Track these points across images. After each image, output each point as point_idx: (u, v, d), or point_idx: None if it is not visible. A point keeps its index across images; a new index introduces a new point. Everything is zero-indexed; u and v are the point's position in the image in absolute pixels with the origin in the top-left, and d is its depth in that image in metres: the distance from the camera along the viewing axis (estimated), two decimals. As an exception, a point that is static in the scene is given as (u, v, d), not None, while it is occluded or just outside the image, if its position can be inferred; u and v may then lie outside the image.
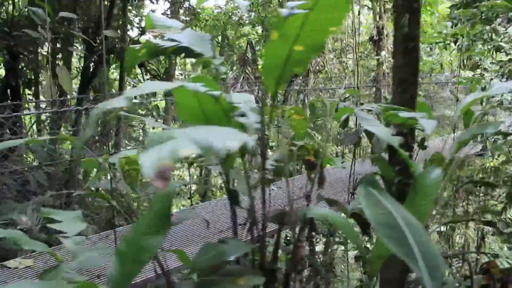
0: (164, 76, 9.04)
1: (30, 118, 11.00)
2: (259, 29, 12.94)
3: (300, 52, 1.63)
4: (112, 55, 7.55)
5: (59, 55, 9.69)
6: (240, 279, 1.72)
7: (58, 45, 8.09)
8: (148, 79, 11.31)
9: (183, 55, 2.04)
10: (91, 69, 7.38)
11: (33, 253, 4.07)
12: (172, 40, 2.01)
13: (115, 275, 1.61)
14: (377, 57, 12.01)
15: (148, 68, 9.20)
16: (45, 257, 3.86)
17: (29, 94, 9.94)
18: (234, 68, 11.80)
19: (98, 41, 6.77)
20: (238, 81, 11.54)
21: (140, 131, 12.24)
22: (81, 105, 6.93)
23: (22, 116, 9.98)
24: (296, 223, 2.22)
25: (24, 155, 7.61)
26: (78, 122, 7.24)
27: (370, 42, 12.03)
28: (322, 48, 1.68)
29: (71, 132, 8.45)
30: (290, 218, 2.21)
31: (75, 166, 7.27)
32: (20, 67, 8.73)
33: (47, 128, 8.85)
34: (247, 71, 11.78)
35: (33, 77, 9.07)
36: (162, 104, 12.46)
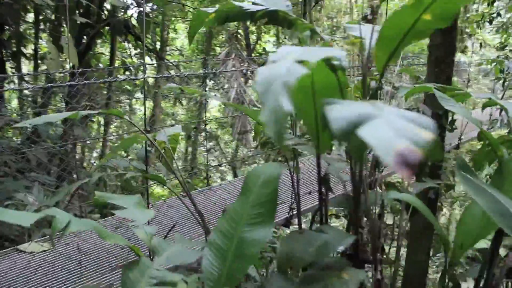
0: (157, 52, 8.66)
1: (12, 93, 10.48)
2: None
3: (426, 22, 1.44)
4: (108, 27, 7.15)
5: (47, 28, 9.24)
6: (344, 273, 1.55)
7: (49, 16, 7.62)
8: (136, 54, 10.90)
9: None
10: (86, 41, 6.98)
11: (45, 236, 3.82)
12: (255, 4, 1.80)
13: (215, 274, 1.42)
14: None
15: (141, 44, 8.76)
16: (65, 240, 3.62)
17: (11, 67, 9.45)
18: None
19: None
20: (230, 57, 11.22)
21: (127, 107, 11.87)
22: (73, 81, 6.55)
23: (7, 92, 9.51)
24: (371, 209, 2.07)
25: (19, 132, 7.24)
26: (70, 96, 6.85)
27: (364, 22, 11.84)
28: (452, 19, 1.50)
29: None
30: (364, 203, 2.06)
31: (73, 143, 6.95)
32: (5, 38, 8.23)
33: (28, 103, 8.45)
34: (238, 47, 11.47)
35: (18, 49, 8.59)
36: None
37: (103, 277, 3.25)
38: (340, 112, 0.91)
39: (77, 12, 5.70)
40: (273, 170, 1.53)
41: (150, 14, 7.39)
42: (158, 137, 2.40)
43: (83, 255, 3.41)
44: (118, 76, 9.94)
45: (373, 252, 1.86)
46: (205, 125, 8.21)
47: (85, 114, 2.11)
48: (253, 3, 1.78)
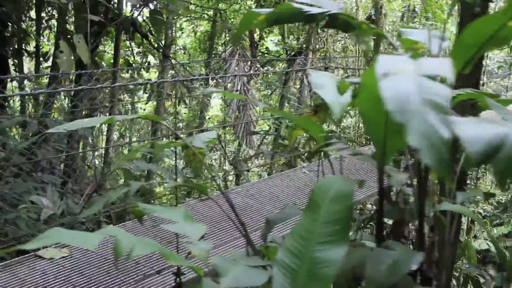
0: (163, 51, 8.54)
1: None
2: (252, 3, 12.48)
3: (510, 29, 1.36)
4: (115, 26, 7.03)
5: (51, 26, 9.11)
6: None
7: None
8: (140, 52, 10.78)
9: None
10: (94, 40, 6.86)
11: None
12: (311, 5, 1.72)
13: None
14: (374, 38, 11.81)
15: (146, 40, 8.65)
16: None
17: (12, 65, 9.29)
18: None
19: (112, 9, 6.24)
20: (234, 57, 11.13)
21: (129, 105, 11.74)
22: (79, 81, 6.46)
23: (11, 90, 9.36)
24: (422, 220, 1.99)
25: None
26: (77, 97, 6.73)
27: (369, 22, 11.78)
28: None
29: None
30: (411, 214, 1.99)
31: (75, 142, 6.84)
32: (8, 35, 8.09)
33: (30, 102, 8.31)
34: (243, 47, 11.37)
35: (20, 46, 8.48)
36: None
37: (126, 283, 3.15)
38: (475, 132, 0.82)
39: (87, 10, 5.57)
40: (344, 185, 1.45)
41: (163, 13, 7.29)
42: (195, 143, 2.30)
43: (104, 261, 3.32)
44: (121, 75, 9.84)
45: (438, 268, 1.79)
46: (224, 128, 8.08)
47: (120, 119, 2.01)
48: (307, 5, 1.69)
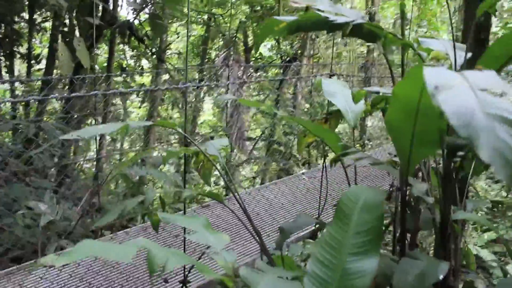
0: (159, 55, 8.48)
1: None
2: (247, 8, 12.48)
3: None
4: (111, 29, 6.96)
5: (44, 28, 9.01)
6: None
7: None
8: (134, 56, 10.72)
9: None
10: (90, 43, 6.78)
11: (62, 250, 3.65)
12: (337, 14, 1.71)
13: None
14: (368, 44, 11.87)
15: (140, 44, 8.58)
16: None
17: (4, 66, 9.17)
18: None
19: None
20: (228, 63, 11.10)
21: (121, 110, 11.65)
22: (73, 85, 6.39)
23: None
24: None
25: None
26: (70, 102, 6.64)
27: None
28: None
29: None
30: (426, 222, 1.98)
31: (67, 146, 6.74)
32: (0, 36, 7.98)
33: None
34: (236, 52, 11.35)
35: (12, 48, 8.35)
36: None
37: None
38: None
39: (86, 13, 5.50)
40: (373, 194, 1.43)
41: (161, 16, 7.24)
42: (209, 150, 2.28)
43: (112, 269, 3.26)
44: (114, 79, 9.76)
45: (454, 276, 1.78)
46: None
47: (136, 127, 1.98)
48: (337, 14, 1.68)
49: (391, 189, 5.30)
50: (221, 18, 11.68)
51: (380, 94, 2.03)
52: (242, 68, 11.22)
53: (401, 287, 1.43)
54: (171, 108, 10.86)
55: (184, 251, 2.88)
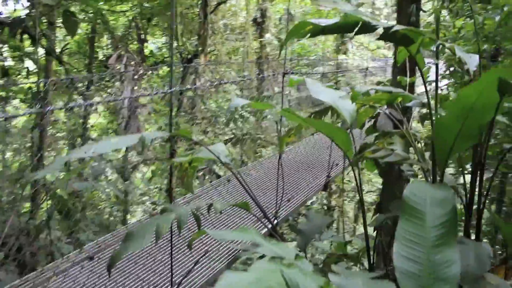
0: (56, 55, 7.79)
1: None
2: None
3: None
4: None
5: None
6: (491, 279, 1.61)
7: None
8: (15, 57, 9.72)
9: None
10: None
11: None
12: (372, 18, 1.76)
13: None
14: (260, 39, 12.20)
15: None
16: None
17: None
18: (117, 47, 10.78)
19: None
20: (122, 61, 10.60)
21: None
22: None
23: None
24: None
25: None
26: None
27: (254, 24, 12.13)
28: None
29: None
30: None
31: None
32: None
33: None
34: (130, 50, 10.89)
35: None
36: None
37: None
38: None
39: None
40: (442, 189, 1.53)
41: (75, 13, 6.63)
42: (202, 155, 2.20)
43: None
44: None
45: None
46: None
47: (153, 137, 1.86)
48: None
49: (327, 180, 5.55)
50: (109, 15, 11.07)
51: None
52: (138, 66, 10.81)
53: (467, 270, 1.55)
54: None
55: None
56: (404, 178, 3.92)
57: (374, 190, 12.58)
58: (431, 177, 1.78)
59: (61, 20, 8.03)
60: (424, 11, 4.62)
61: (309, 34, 1.87)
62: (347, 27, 1.80)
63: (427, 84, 1.85)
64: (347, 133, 2.20)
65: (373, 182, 12.37)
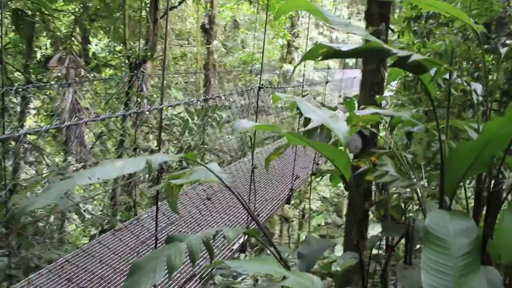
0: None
1: None
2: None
3: None
4: None
5: None
6: None
7: None
8: None
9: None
10: None
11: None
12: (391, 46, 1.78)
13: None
14: (208, 46, 12.11)
15: None
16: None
17: None
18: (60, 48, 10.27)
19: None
20: (64, 63, 10.10)
21: None
22: None
23: None
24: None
25: None
26: None
27: (201, 30, 12.04)
28: None
29: None
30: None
31: None
32: None
33: None
34: (73, 52, 10.41)
35: None
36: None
37: None
38: None
39: None
40: (463, 218, 1.57)
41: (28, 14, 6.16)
42: (198, 175, 2.14)
43: None
44: None
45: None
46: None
47: (168, 159, 1.78)
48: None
49: (290, 193, 5.57)
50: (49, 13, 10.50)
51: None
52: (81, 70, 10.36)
53: None
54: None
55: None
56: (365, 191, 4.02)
57: (317, 198, 12.87)
58: (441, 203, 1.83)
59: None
60: (393, 31, 4.80)
61: (323, 56, 1.87)
62: (368, 53, 1.82)
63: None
64: (348, 157, 2.21)
65: (317, 190, 12.64)
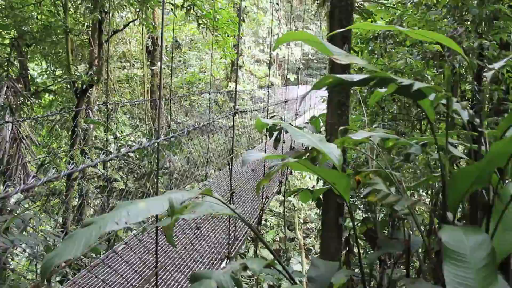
0: None
1: None
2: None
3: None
4: None
5: None
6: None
7: None
8: None
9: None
10: None
11: None
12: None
13: None
14: (152, 68, 11.99)
15: None
16: None
17: None
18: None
19: None
20: (2, 91, 9.60)
21: None
22: None
23: None
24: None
25: None
26: None
27: (146, 53, 11.91)
28: None
29: None
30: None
31: None
32: None
33: None
34: (11, 77, 9.93)
35: None
36: None
37: None
38: None
39: None
40: (477, 232, 1.69)
41: None
42: (201, 211, 2.14)
43: None
44: None
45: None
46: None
47: (182, 200, 1.79)
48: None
49: (261, 213, 5.61)
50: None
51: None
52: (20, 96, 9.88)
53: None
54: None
55: None
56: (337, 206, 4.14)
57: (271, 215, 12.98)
58: (443, 218, 1.95)
59: None
60: (355, 51, 5.00)
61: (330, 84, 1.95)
62: (377, 83, 1.91)
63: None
64: (349, 181, 2.30)
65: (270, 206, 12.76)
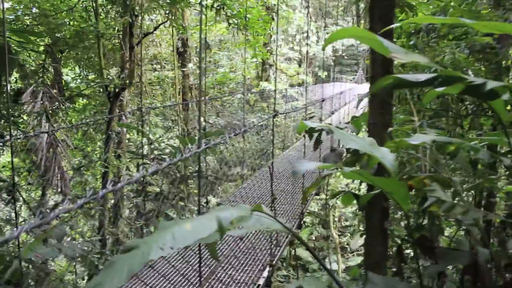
0: None
1: None
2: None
3: None
4: None
5: None
6: None
7: None
8: None
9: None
10: None
11: None
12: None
13: None
14: (183, 69, 11.97)
15: None
16: None
17: None
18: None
19: None
20: (37, 96, 9.75)
21: None
22: None
23: None
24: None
25: None
26: None
27: (176, 54, 11.90)
28: None
29: None
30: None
31: None
32: None
33: None
34: (46, 83, 10.07)
35: None
36: None
37: None
38: None
39: None
40: None
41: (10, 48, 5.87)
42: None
43: None
44: None
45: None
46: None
47: (231, 218, 1.65)
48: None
49: (301, 217, 5.44)
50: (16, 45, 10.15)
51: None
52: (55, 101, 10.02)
53: None
54: None
55: None
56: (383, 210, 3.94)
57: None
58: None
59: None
60: None
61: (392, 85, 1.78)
62: (444, 82, 1.74)
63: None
64: (407, 189, 2.12)
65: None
